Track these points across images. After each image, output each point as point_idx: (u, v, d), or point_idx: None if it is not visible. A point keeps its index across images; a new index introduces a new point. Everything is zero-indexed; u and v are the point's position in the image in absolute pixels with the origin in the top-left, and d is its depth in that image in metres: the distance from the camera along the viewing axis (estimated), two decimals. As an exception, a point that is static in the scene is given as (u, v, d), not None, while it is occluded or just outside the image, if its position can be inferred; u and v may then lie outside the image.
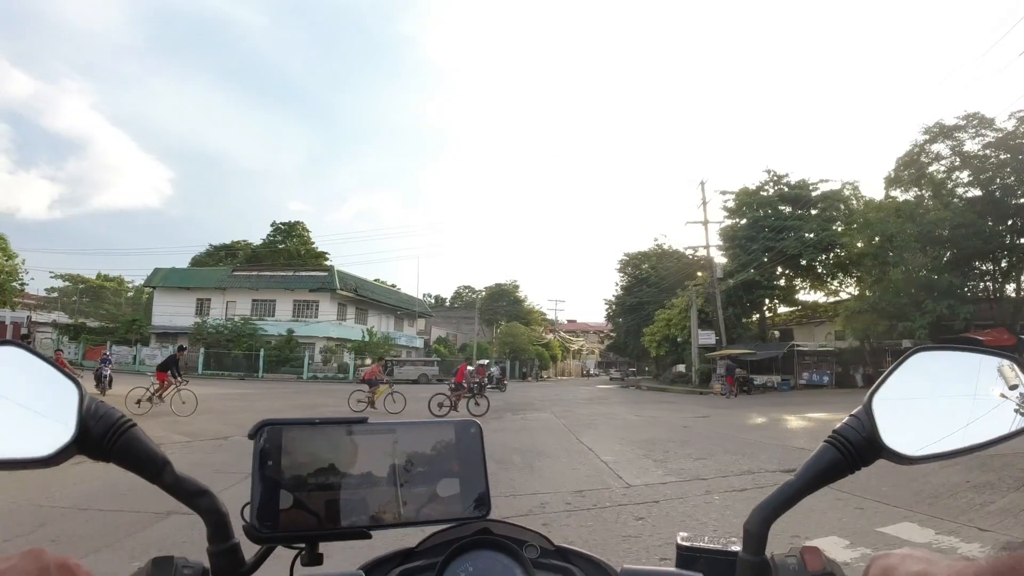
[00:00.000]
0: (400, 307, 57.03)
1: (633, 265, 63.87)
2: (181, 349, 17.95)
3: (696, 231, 50.29)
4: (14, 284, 37.36)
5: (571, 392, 35.96)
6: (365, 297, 50.90)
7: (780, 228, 37.67)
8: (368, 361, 46.20)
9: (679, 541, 0.75)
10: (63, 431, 0.58)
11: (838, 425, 0.67)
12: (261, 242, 63.59)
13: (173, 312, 48.99)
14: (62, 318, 51.44)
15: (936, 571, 0.47)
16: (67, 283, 68.37)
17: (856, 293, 36.23)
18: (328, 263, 53.87)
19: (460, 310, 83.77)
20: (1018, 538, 0.41)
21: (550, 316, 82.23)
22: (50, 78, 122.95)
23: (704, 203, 39.85)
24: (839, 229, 36.34)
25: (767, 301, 42.32)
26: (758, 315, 44.21)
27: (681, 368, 45.34)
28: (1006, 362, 0.67)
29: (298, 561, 0.67)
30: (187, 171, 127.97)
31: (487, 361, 41.42)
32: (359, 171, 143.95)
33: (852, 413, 0.67)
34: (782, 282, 41.53)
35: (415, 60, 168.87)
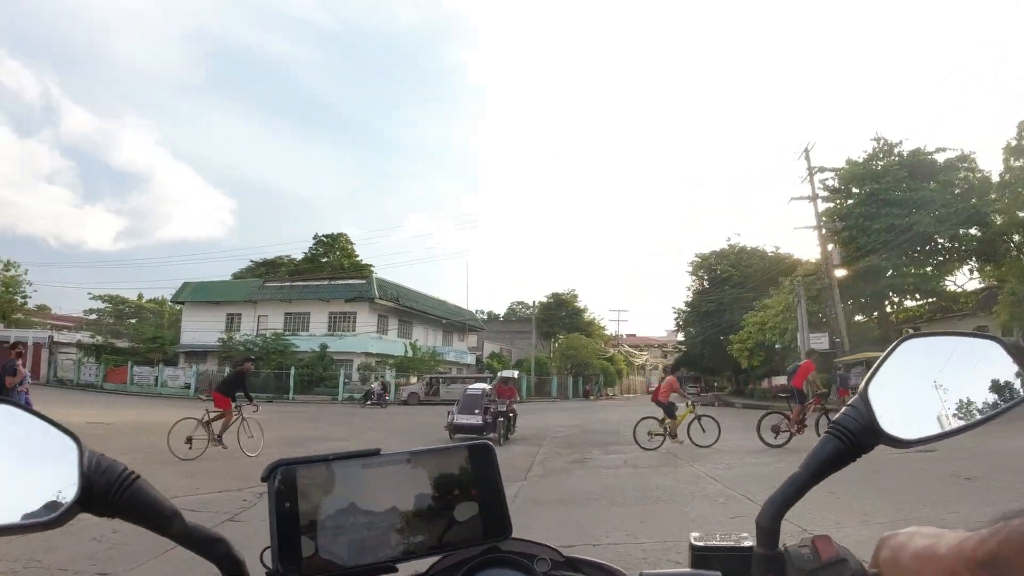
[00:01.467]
0: (448, 318, 51.19)
1: (706, 268, 57.03)
2: (248, 361, 13.44)
3: (779, 223, 43.25)
4: (15, 297, 33.17)
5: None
6: (408, 308, 45.41)
7: (904, 203, 30.53)
8: (414, 379, 41.27)
9: (692, 541, 0.74)
10: (65, 490, 0.56)
11: (837, 415, 0.69)
12: (303, 256, 59.41)
13: (202, 328, 44.61)
14: (88, 338, 47.68)
15: (941, 544, 0.48)
16: (106, 304, 66.44)
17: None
18: (370, 274, 48.68)
19: (514, 323, 77.93)
20: (1015, 507, 0.43)
21: (610, 329, 75.40)
22: (112, 115, 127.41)
23: (811, 173, 32.92)
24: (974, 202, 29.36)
25: (891, 293, 34.71)
26: (878, 312, 36.75)
27: (782, 380, 38.05)
28: (989, 342, 0.71)
29: None
30: (247, 201, 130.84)
31: (513, 375, 26.27)
32: (408, 196, 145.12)
33: (849, 403, 0.69)
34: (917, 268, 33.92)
35: (460, 85, 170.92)
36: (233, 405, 11.71)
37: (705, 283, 56.78)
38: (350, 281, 43.63)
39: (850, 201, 34.36)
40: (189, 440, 10.69)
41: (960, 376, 0.68)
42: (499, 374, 23.76)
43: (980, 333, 0.73)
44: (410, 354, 40.99)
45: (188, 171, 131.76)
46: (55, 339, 46.31)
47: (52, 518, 0.55)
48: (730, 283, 49.74)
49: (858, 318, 37.06)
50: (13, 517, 0.54)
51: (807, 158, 33.69)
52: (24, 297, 34.38)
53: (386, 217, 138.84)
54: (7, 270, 33.71)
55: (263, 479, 0.64)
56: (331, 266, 54.64)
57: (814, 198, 33.32)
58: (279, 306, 44.43)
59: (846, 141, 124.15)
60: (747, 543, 0.71)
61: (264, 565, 0.61)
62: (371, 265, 55.89)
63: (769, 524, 0.67)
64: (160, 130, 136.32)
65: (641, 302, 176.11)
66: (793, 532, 0.88)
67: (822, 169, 34.69)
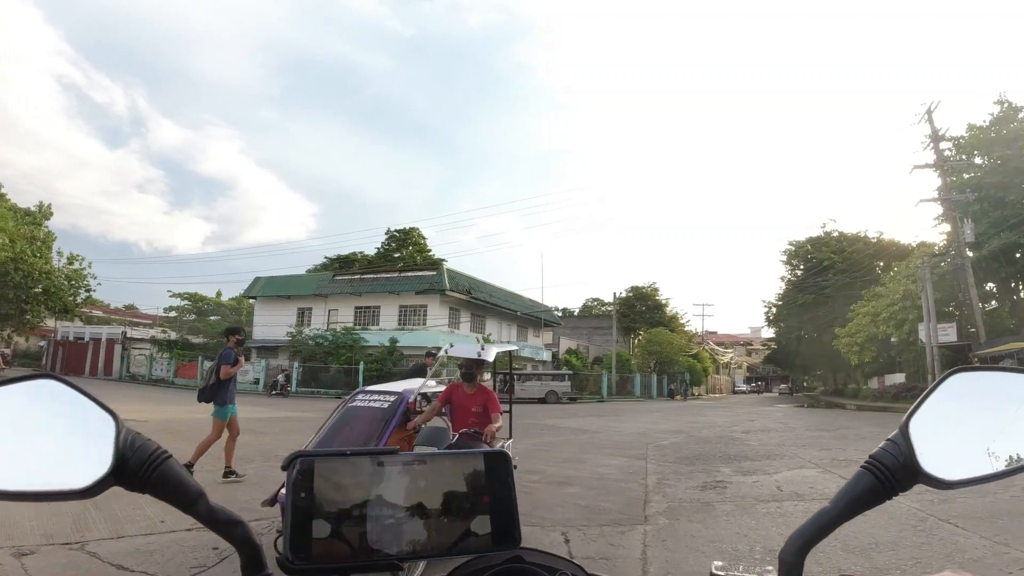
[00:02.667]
0: (522, 311, 48.52)
1: (801, 256, 52.31)
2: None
3: (882, 205, 38.45)
4: (79, 291, 32.70)
5: (770, 418, 25.86)
6: (480, 300, 43.00)
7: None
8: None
9: (713, 570, 0.72)
10: (99, 463, 0.59)
11: (874, 450, 0.66)
12: (376, 251, 58.20)
13: (274, 323, 43.71)
14: (160, 334, 47.80)
15: None
16: (185, 301, 67.70)
17: None
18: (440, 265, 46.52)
19: (590, 319, 74.65)
20: None
21: (693, 326, 70.95)
22: (197, 126, 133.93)
23: (936, 138, 28.46)
24: None
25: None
26: (1013, 298, 31.87)
27: (898, 378, 33.49)
28: None
29: None
30: (326, 205, 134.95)
31: (513, 348, 9.70)
32: (481, 197, 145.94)
33: (888, 438, 0.66)
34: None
35: (531, 86, 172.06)
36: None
37: (799, 272, 52.23)
38: (420, 273, 41.58)
39: (967, 176, 29.69)
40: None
41: (1012, 415, 0.64)
42: (484, 346, 6.45)
43: None
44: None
45: (271, 177, 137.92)
46: (128, 335, 46.60)
47: (86, 487, 0.57)
48: (833, 271, 45.07)
49: (989, 305, 32.24)
50: (51, 484, 0.57)
51: (930, 120, 29.26)
52: (88, 291, 33.84)
53: (459, 218, 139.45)
54: (71, 263, 33.30)
55: (283, 468, 0.66)
56: (403, 261, 53.19)
57: (940, 165, 28.85)
58: (349, 300, 42.96)
59: (958, 108, 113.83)
60: None
61: (277, 551, 0.63)
62: (444, 260, 54.20)
63: (792, 559, 0.64)
64: (244, 139, 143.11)
65: (722, 298, 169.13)
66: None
67: (942, 138, 30.02)
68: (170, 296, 66.73)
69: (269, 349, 43.26)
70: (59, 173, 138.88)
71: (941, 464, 0.62)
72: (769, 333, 67.61)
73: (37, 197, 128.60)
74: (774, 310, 57.12)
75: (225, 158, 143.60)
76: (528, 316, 49.59)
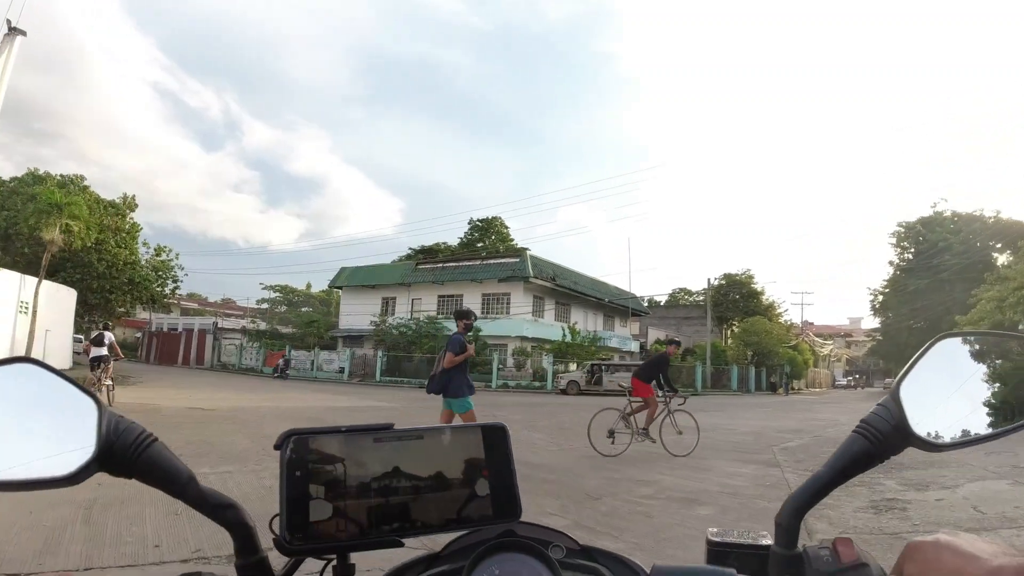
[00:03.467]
0: (609, 301, 46.68)
1: (912, 238, 47.73)
2: (673, 344, 11.12)
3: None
4: (168, 282, 33.43)
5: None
6: (565, 288, 41.50)
7: None
8: (572, 366, 37.44)
9: (709, 536, 0.72)
10: (83, 449, 0.57)
11: (866, 415, 0.66)
12: (459, 241, 57.87)
13: (359, 312, 43.87)
14: (249, 324, 49.06)
15: (974, 569, 0.45)
16: (277, 293, 69.79)
17: None
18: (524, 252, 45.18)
19: (679, 309, 71.71)
20: None
21: (788, 316, 66.64)
22: (288, 127, 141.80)
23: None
24: None
25: None
26: None
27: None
28: None
29: (328, 571, 0.67)
30: (412, 199, 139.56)
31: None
32: (563, 186, 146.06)
33: (880, 403, 0.66)
34: None
35: (611, 75, 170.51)
36: (659, 394, 10.08)
37: (908, 256, 47.73)
38: (503, 260, 40.50)
39: None
40: (611, 434, 9.58)
41: (1000, 378, 0.65)
42: None
43: (1020, 334, 0.68)
44: (569, 338, 37.07)
45: (358, 174, 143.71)
46: (220, 326, 47.99)
47: (70, 475, 0.55)
48: (949, 253, 40.78)
49: None
50: (34, 473, 0.55)
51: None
52: (175, 281, 34.56)
53: (541, 207, 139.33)
54: (158, 254, 34.05)
55: (276, 447, 0.64)
56: (486, 250, 52.49)
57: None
58: (432, 289, 42.52)
59: None
60: (765, 541, 0.68)
61: (272, 532, 0.62)
62: (527, 249, 53.03)
63: (788, 523, 0.65)
64: (332, 138, 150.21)
65: (818, 287, 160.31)
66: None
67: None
68: (262, 288, 68.90)
69: (354, 338, 43.47)
70: (160, 174, 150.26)
71: (931, 427, 0.63)
72: (873, 323, 62.71)
73: (140, 195, 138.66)
74: (880, 298, 52.58)
75: (315, 157, 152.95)
76: (614, 304, 47.67)
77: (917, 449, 0.64)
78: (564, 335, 36.99)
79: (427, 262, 45.49)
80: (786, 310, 63.32)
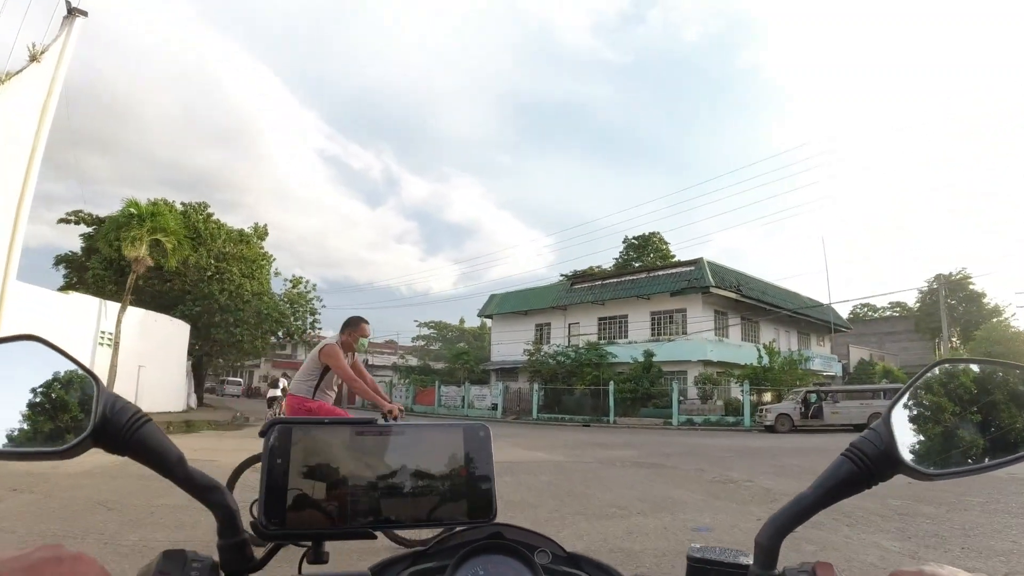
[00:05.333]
0: (804, 315, 38.24)
1: None
2: None
3: None
4: (306, 315, 30.69)
5: None
6: (752, 299, 34.10)
7: None
8: (767, 396, 29.89)
9: (690, 552, 0.72)
10: (80, 424, 0.59)
11: (856, 438, 0.65)
12: (613, 263, 52.02)
13: (511, 341, 39.41)
14: (399, 360, 46.31)
15: None
16: (431, 330, 68.22)
17: None
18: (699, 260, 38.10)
19: (877, 324, 60.42)
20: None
21: (1018, 321, 53.15)
22: (442, 179, 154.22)
23: None
24: None
25: None
26: None
27: None
28: None
29: (305, 559, 0.69)
30: (561, 237, 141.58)
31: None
32: (718, 210, 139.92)
33: (871, 426, 0.65)
34: None
35: (757, 90, 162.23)
36: None
37: None
38: (675, 270, 33.95)
39: None
40: None
41: (997, 408, 0.63)
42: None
43: (1019, 364, 0.66)
44: (765, 361, 29.66)
45: (509, 217, 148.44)
46: (369, 363, 45.57)
47: (66, 448, 0.58)
48: None
49: None
50: (31, 444, 0.58)
51: None
52: (313, 314, 31.84)
53: (697, 235, 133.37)
54: (295, 286, 31.54)
55: (260, 435, 0.66)
56: (645, 269, 46.22)
57: None
58: (591, 310, 36.98)
59: None
60: (744, 560, 0.68)
61: (252, 516, 0.65)
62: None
63: (768, 544, 0.64)
64: (483, 185, 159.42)
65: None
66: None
67: None
68: (417, 326, 67.67)
69: (508, 371, 38.94)
70: (330, 232, 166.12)
71: (921, 455, 0.61)
72: None
73: (314, 254, 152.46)
74: None
75: (468, 204, 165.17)
76: (811, 319, 39.05)
77: (906, 476, 0.62)
78: (760, 357, 29.60)
79: (583, 280, 40.04)
80: (1013, 314, 50.40)
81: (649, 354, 30.82)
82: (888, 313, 64.57)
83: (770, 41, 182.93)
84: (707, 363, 30.83)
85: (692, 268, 32.77)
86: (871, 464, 0.62)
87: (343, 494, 0.65)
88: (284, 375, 15.63)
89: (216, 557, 0.64)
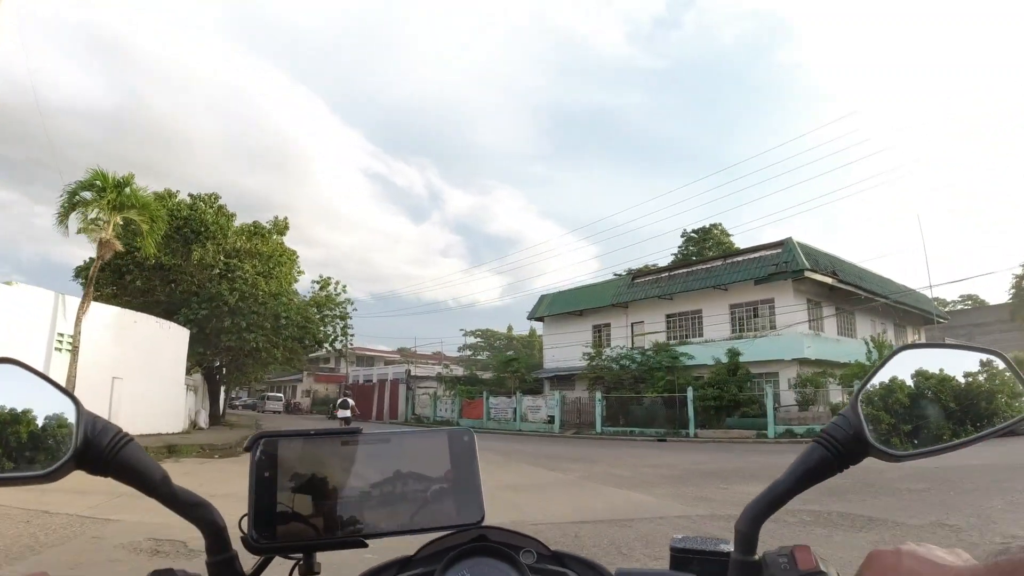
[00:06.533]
0: (906, 305, 32.76)
1: None
2: None
3: None
4: (337, 321, 27.04)
5: None
6: (851, 285, 29.01)
7: None
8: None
9: (673, 543, 0.74)
10: (62, 447, 0.59)
11: (826, 425, 0.67)
12: (672, 258, 47.09)
13: (565, 344, 35.08)
14: (444, 370, 42.37)
15: (934, 575, 0.46)
16: (478, 339, 64.62)
17: None
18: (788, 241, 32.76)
19: (963, 316, 53.92)
20: (1014, 541, 0.41)
21: None
22: (484, 192, 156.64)
23: None
24: None
25: None
26: None
27: None
28: (991, 356, 0.68)
29: (296, 571, 0.69)
30: (606, 246, 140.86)
31: None
32: (764, 211, 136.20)
33: (840, 412, 0.67)
34: None
35: (801, 86, 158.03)
36: None
37: None
38: (759, 254, 28.82)
39: None
40: None
41: (960, 389, 0.65)
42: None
43: (981, 346, 0.69)
44: (875, 357, 24.56)
45: (552, 226, 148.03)
46: (413, 373, 41.73)
47: (48, 472, 0.57)
48: None
49: None
50: (12, 469, 0.57)
51: None
52: (343, 319, 28.19)
53: (745, 240, 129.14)
54: (323, 288, 27.88)
55: (245, 449, 0.66)
56: (721, 256, 41.06)
57: None
58: (657, 306, 32.36)
59: None
60: (726, 548, 0.70)
61: (241, 530, 0.64)
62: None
63: (747, 530, 0.66)
64: (525, 196, 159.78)
65: None
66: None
67: None
68: (463, 335, 64.11)
69: (563, 379, 34.60)
70: (376, 248, 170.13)
71: (889, 438, 0.64)
72: None
73: (362, 270, 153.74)
74: None
75: (510, 216, 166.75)
76: (909, 308, 33.48)
77: (876, 459, 0.64)
78: (869, 352, 24.56)
79: (647, 273, 35.40)
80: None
81: (735, 353, 26.10)
82: (960, 307, 58.34)
83: (806, 41, 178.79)
84: (803, 362, 25.96)
85: (779, 251, 27.71)
86: (841, 448, 0.64)
87: (332, 504, 0.66)
88: (346, 392, 13.74)
89: (206, 574, 0.64)
